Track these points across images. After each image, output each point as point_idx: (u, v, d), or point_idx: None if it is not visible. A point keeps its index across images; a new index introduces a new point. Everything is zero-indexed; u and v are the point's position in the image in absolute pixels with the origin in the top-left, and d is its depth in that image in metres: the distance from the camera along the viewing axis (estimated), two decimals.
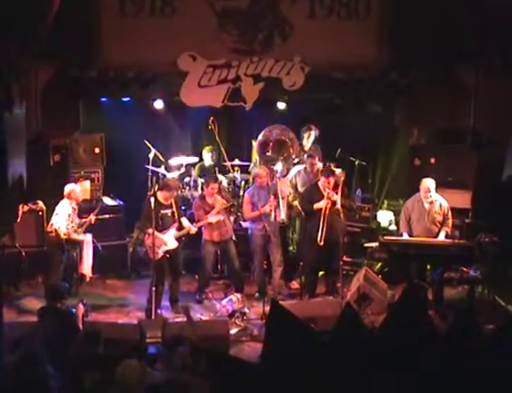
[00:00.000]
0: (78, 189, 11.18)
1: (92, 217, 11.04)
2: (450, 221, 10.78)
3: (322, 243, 10.64)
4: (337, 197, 10.74)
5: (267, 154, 12.33)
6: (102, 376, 6.37)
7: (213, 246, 11.14)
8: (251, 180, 12.99)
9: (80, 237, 10.99)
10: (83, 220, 11.02)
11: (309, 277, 11.16)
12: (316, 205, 10.78)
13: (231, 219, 11.54)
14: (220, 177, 12.37)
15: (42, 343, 7.53)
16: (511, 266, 11.45)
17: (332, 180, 10.87)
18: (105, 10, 12.64)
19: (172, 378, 6.15)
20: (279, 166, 12.23)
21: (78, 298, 10.37)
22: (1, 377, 6.37)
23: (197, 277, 11.52)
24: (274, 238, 11.11)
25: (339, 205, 10.67)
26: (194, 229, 10.76)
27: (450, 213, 10.79)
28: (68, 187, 11.04)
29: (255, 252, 11.26)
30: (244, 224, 12.07)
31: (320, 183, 10.92)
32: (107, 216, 12.21)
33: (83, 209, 11.45)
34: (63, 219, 10.79)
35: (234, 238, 11.22)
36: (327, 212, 10.67)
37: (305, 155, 12.19)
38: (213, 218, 10.84)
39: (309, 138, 12.53)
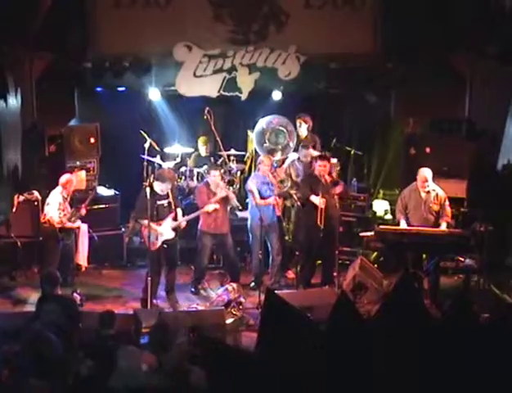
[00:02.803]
0: (74, 181, 11.17)
1: (83, 209, 11.02)
2: (449, 210, 10.76)
3: (322, 226, 10.67)
4: (331, 179, 10.83)
5: (265, 145, 12.34)
6: (97, 363, 6.38)
7: (209, 239, 11.12)
8: (247, 170, 13.01)
9: (75, 224, 10.97)
10: (76, 211, 11.01)
11: (305, 267, 11.18)
12: (313, 198, 10.79)
13: (228, 208, 11.52)
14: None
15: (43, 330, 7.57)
16: (506, 255, 11.48)
17: (328, 165, 10.91)
18: (101, 0, 12.61)
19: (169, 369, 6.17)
20: (278, 156, 12.25)
21: (74, 288, 10.40)
22: None
23: (193, 267, 11.52)
24: (273, 229, 11.14)
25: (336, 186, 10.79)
26: (183, 223, 10.75)
27: (447, 202, 10.78)
28: (65, 177, 11.02)
29: (253, 242, 11.26)
30: (241, 214, 12.08)
31: (316, 170, 10.95)
32: (103, 206, 12.21)
33: (78, 199, 11.44)
34: (54, 208, 10.78)
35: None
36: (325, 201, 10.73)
37: (300, 146, 12.17)
38: (209, 206, 10.82)
39: (301, 128, 12.51)
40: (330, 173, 11.01)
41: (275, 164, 12.00)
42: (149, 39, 12.46)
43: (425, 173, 10.70)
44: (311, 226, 10.85)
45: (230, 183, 12.38)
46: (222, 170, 12.51)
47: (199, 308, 10.39)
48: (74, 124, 13.05)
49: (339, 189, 10.93)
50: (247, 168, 13.14)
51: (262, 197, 11.13)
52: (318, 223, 10.67)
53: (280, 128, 12.41)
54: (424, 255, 10.93)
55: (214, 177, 11.00)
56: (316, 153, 11.89)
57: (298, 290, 10.96)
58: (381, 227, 11.17)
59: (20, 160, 12.18)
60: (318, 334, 3.54)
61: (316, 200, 10.76)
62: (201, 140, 12.98)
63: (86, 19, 12.52)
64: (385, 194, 13.20)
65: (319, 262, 11.43)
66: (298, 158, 11.97)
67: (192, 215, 10.92)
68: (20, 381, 5.90)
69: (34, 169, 12.27)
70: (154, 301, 10.42)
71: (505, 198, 11.68)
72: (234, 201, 11.25)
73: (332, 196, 10.88)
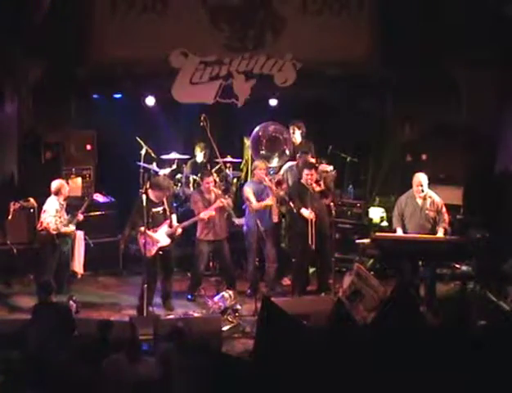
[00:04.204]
0: (66, 185, 11.15)
1: (80, 215, 11.01)
2: (446, 217, 10.74)
3: (313, 245, 10.69)
4: (319, 189, 10.85)
5: (261, 152, 12.32)
6: (90, 370, 6.38)
7: (206, 246, 11.10)
8: (243, 176, 12.99)
9: (70, 228, 10.94)
10: (73, 218, 11.00)
11: (299, 274, 11.17)
12: (303, 212, 10.79)
13: (225, 214, 11.51)
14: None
15: (38, 337, 7.60)
16: (503, 262, 11.47)
17: (314, 173, 10.93)
18: (97, 7, 12.62)
19: (159, 374, 6.16)
20: (274, 163, 12.23)
21: (70, 295, 10.37)
22: None
23: (189, 274, 11.51)
24: (269, 235, 11.13)
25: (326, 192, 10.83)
26: (179, 230, 10.73)
27: (444, 209, 10.76)
28: (56, 183, 10.99)
29: (249, 249, 11.25)
30: (237, 221, 12.06)
31: (303, 178, 10.96)
32: (99, 213, 12.19)
33: (75, 205, 11.42)
34: (51, 215, 10.77)
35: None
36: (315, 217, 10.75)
37: (299, 152, 12.14)
38: (204, 214, 10.81)
39: (295, 135, 12.49)
40: (317, 182, 11.00)
41: (271, 171, 11.99)
42: (145, 46, 12.47)
43: (420, 177, 10.69)
44: (304, 233, 10.84)
45: (225, 191, 12.35)
46: (218, 178, 12.49)
47: (196, 315, 10.38)
48: (71, 130, 13.03)
49: (328, 201, 10.95)
50: (243, 175, 13.12)
51: (259, 201, 11.12)
52: (309, 242, 10.68)
53: (276, 135, 12.40)
54: (420, 262, 10.92)
55: (208, 184, 10.99)
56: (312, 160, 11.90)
57: (294, 297, 10.95)
58: (377, 234, 11.16)
59: (16, 167, 12.17)
60: (314, 341, 3.54)
61: (306, 213, 10.76)
62: (199, 147, 12.95)
63: (82, 26, 12.52)
64: (381, 201, 13.18)
65: (315, 269, 11.43)
66: (297, 165, 11.95)
67: (188, 222, 10.90)
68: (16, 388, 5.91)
69: (31, 176, 12.26)
70: (150, 308, 10.39)
71: (501, 205, 11.68)
72: (229, 209, 11.25)
73: (322, 203, 10.88)
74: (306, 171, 10.97)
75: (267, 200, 11.07)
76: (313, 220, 10.69)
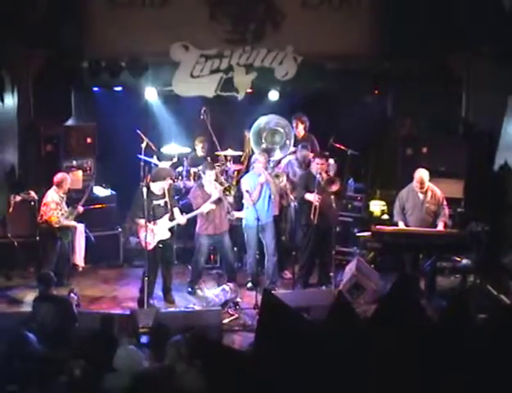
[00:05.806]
0: (69, 179, 11.16)
1: (80, 207, 11.01)
2: (446, 211, 10.75)
3: (315, 222, 10.69)
4: (327, 177, 10.86)
5: (262, 145, 12.32)
6: (91, 364, 6.38)
7: (206, 239, 11.10)
8: (244, 170, 13.00)
9: (72, 222, 10.95)
10: (73, 210, 11.00)
11: (304, 267, 11.17)
12: (307, 196, 10.80)
13: (225, 208, 11.52)
14: None
15: (38, 329, 7.60)
16: (503, 255, 11.47)
17: (326, 163, 10.93)
18: None
19: (164, 367, 6.16)
20: (277, 155, 12.24)
21: (70, 288, 10.38)
22: None
23: (190, 267, 11.51)
24: (268, 228, 11.14)
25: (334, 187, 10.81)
26: (183, 221, 10.73)
27: (445, 202, 10.77)
28: (59, 176, 10.99)
29: (249, 242, 11.26)
30: (237, 214, 12.06)
31: (313, 168, 10.95)
32: (99, 206, 12.20)
33: (75, 198, 11.43)
34: (52, 208, 10.77)
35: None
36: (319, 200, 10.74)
37: (299, 146, 12.16)
38: (205, 207, 10.80)
39: (298, 128, 12.51)
40: (327, 172, 11.03)
41: (271, 164, 11.99)
42: (145, 39, 12.44)
43: (421, 173, 10.70)
44: (309, 225, 10.86)
45: (226, 190, 12.35)
46: (219, 170, 12.48)
47: (196, 308, 10.39)
48: (71, 123, 13.03)
49: (335, 187, 10.93)
50: (244, 168, 13.12)
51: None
52: (311, 219, 10.70)
53: (277, 128, 12.40)
54: (420, 255, 10.93)
55: (210, 177, 10.98)
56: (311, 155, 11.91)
57: (294, 290, 10.95)
58: (378, 227, 11.16)
59: (16, 159, 12.17)
60: (315, 335, 3.54)
61: (311, 196, 10.78)
62: (197, 140, 12.96)
63: (82, 18, 12.51)
64: (382, 194, 13.18)
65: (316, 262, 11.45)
66: (297, 158, 11.96)
67: (191, 214, 10.89)
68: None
69: (31, 168, 12.26)
70: (151, 301, 10.41)
71: (501, 198, 11.68)
72: (228, 200, 11.24)
73: (329, 195, 10.86)
74: (317, 160, 10.98)
75: (260, 177, 11.04)
76: (317, 206, 10.70)
